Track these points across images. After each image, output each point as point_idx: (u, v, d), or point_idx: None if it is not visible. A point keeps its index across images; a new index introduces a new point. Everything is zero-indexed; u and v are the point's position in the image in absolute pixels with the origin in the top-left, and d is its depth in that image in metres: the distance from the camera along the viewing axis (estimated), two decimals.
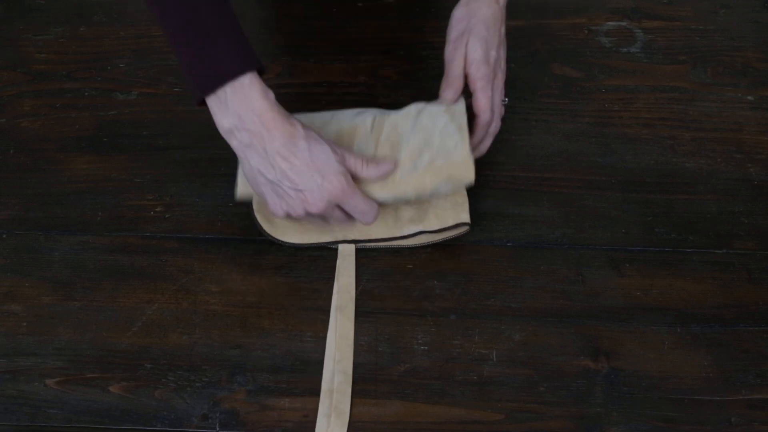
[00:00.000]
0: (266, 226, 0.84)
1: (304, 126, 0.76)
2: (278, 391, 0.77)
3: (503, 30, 0.85)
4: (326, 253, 0.84)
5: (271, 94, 0.75)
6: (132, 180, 0.91)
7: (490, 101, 0.83)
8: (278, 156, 0.74)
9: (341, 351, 0.78)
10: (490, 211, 0.87)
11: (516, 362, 0.78)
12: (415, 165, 0.80)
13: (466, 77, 0.83)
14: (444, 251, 0.85)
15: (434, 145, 0.80)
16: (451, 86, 0.83)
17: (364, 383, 0.77)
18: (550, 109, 0.95)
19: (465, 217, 0.83)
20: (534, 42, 1.01)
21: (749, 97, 0.96)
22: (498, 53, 0.84)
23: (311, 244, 0.84)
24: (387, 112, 0.85)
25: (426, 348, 0.79)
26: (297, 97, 0.96)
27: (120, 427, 0.76)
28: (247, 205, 0.85)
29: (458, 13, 0.85)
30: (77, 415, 0.76)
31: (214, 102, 0.74)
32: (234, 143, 0.76)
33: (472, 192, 0.85)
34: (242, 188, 0.82)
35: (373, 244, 0.84)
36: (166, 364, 0.78)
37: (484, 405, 0.76)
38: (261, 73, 0.75)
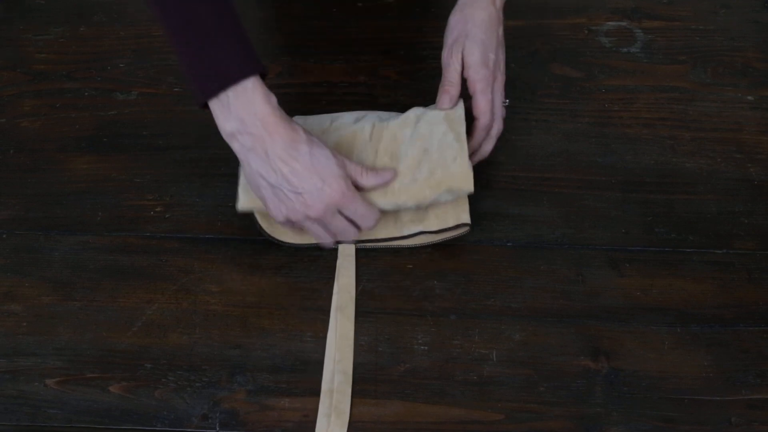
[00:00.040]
0: (266, 226, 0.84)
1: (306, 131, 0.76)
2: (278, 391, 0.77)
3: (501, 32, 0.85)
4: (326, 253, 0.84)
5: (274, 98, 0.75)
6: (132, 180, 0.91)
7: (489, 104, 0.83)
8: (279, 159, 0.74)
9: (341, 351, 0.78)
10: (490, 211, 0.87)
11: (516, 362, 0.78)
12: (414, 177, 0.81)
13: (465, 81, 0.83)
14: (444, 251, 0.85)
15: (433, 155, 0.81)
16: (447, 92, 0.83)
17: (364, 383, 0.77)
18: (550, 109, 0.95)
19: (465, 217, 0.83)
20: (534, 42, 1.01)
21: (749, 97, 0.96)
22: (497, 55, 0.84)
23: (311, 244, 0.84)
24: (386, 116, 0.85)
25: (426, 348, 0.79)
26: (297, 97, 0.96)
27: (120, 427, 0.76)
28: None
29: (454, 19, 0.85)
30: (77, 415, 0.76)
31: (216, 106, 0.74)
32: (236, 146, 0.76)
33: (473, 191, 0.85)
34: (244, 200, 0.82)
35: (373, 244, 0.84)
36: (166, 364, 0.78)
37: (484, 405, 0.76)
38: (263, 77, 0.75)
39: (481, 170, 0.88)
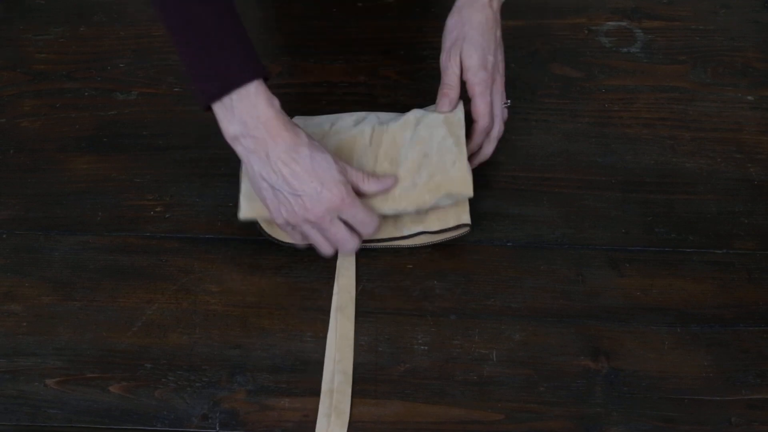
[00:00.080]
0: (266, 227, 0.84)
1: (308, 135, 0.77)
2: (278, 391, 0.77)
3: (499, 33, 0.85)
4: None
5: (277, 102, 0.76)
6: (132, 180, 0.91)
7: (488, 106, 0.83)
8: (280, 162, 0.75)
9: (341, 351, 0.78)
10: (490, 211, 0.87)
11: (516, 362, 0.78)
12: (414, 182, 0.81)
13: (464, 84, 0.83)
14: (444, 251, 0.85)
15: (432, 159, 0.81)
16: (446, 96, 0.83)
17: (364, 383, 0.77)
18: (550, 109, 0.95)
19: (466, 218, 0.83)
20: (534, 42, 1.01)
21: (749, 97, 0.96)
22: (495, 57, 0.84)
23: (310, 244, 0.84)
24: (385, 119, 0.85)
25: (426, 348, 0.79)
26: (297, 97, 0.96)
27: (120, 427, 0.76)
28: None
29: (451, 21, 0.84)
30: (77, 415, 0.76)
31: (219, 109, 0.75)
32: (239, 149, 0.76)
33: (473, 192, 0.85)
34: (245, 209, 0.82)
35: (373, 245, 0.84)
36: (166, 364, 0.78)
37: (484, 405, 0.76)
38: (266, 80, 0.75)
39: (481, 170, 0.88)
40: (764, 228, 0.86)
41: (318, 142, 0.78)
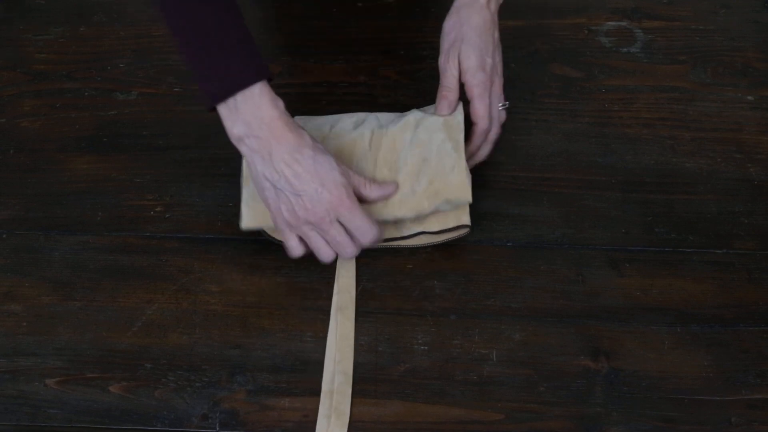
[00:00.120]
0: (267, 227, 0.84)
1: (312, 137, 0.77)
2: (278, 391, 0.77)
3: (497, 35, 0.85)
4: None
5: (281, 103, 0.76)
6: (132, 180, 0.91)
7: (487, 108, 0.83)
8: (282, 162, 0.75)
9: (341, 351, 0.78)
10: (490, 211, 0.87)
11: (516, 362, 0.78)
12: (413, 188, 0.81)
13: (462, 86, 0.83)
14: (444, 251, 0.85)
15: (431, 164, 0.81)
16: (445, 98, 0.83)
17: (364, 383, 0.77)
18: (550, 109, 0.95)
19: (466, 219, 0.83)
20: (534, 42, 1.01)
21: (749, 97, 0.96)
22: (493, 59, 0.84)
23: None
24: (385, 120, 0.85)
25: (426, 348, 0.79)
26: (297, 97, 0.96)
27: (120, 427, 0.76)
28: None
29: (449, 23, 0.84)
30: (77, 415, 0.76)
31: (224, 110, 0.75)
32: (243, 149, 0.77)
33: (473, 192, 0.85)
34: (247, 218, 0.82)
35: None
36: (166, 364, 0.78)
37: (484, 405, 0.76)
38: (269, 80, 0.75)
39: (481, 170, 0.88)
40: (764, 228, 0.86)
41: (322, 145, 0.78)
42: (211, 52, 0.74)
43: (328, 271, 0.83)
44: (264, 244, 0.85)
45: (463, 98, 0.84)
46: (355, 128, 0.84)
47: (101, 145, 0.93)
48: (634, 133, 0.93)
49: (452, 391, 0.76)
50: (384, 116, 0.86)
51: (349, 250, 0.79)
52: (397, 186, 0.81)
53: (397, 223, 0.84)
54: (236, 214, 0.84)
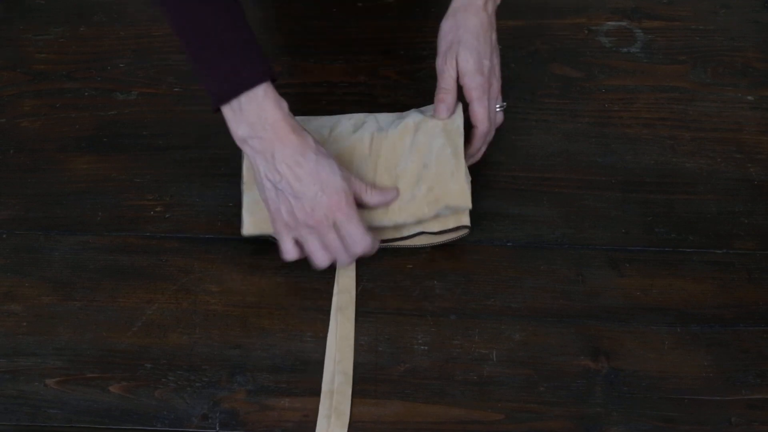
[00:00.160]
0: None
1: (316, 141, 0.77)
2: (278, 391, 0.77)
3: (494, 37, 0.85)
4: None
5: (285, 104, 0.76)
6: (132, 180, 0.91)
7: (487, 111, 0.83)
8: (284, 164, 0.75)
9: (341, 352, 0.78)
10: (490, 211, 0.87)
11: (516, 362, 0.78)
12: (413, 194, 0.81)
13: (460, 88, 0.83)
14: (444, 251, 0.85)
15: (431, 170, 0.81)
16: (442, 101, 0.83)
17: (364, 383, 0.77)
18: (550, 109, 0.95)
19: (466, 220, 0.83)
20: (534, 42, 1.01)
21: (749, 97, 0.96)
22: (491, 61, 0.84)
23: None
24: (385, 122, 0.84)
25: (426, 348, 0.79)
26: (297, 97, 0.96)
27: (120, 427, 0.76)
28: None
29: (446, 25, 0.84)
30: (77, 415, 0.76)
31: (228, 111, 0.75)
32: (247, 150, 0.77)
33: (473, 192, 0.85)
34: (248, 225, 0.82)
35: None
36: (166, 364, 0.78)
37: (484, 405, 0.76)
38: (273, 81, 0.75)
39: (481, 170, 0.88)
40: (764, 228, 0.86)
41: (325, 149, 0.78)
42: (215, 53, 0.74)
43: (328, 271, 0.83)
44: (264, 244, 0.85)
45: (461, 99, 0.84)
46: (355, 131, 0.84)
47: (101, 145, 0.93)
48: (634, 133, 0.93)
49: (452, 391, 0.76)
50: (383, 117, 0.86)
51: (345, 257, 0.79)
52: (397, 192, 0.81)
53: (397, 224, 0.84)
54: (236, 214, 0.84)
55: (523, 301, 0.81)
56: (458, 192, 0.81)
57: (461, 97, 0.84)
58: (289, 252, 0.79)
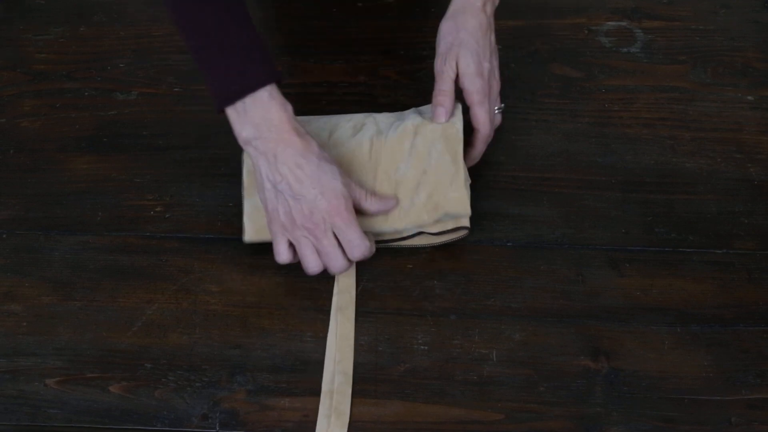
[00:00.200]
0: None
1: (319, 145, 0.77)
2: (278, 391, 0.77)
3: (493, 38, 0.85)
4: None
5: (290, 107, 0.76)
6: (132, 180, 0.91)
7: (488, 114, 0.83)
8: (286, 165, 0.75)
9: (341, 352, 0.78)
10: (490, 211, 0.87)
11: (516, 362, 0.78)
12: (413, 201, 0.81)
13: (458, 90, 0.83)
14: (444, 251, 0.85)
15: (430, 177, 0.81)
16: (441, 105, 0.83)
17: (364, 383, 0.77)
18: (550, 109, 0.95)
19: (465, 221, 0.83)
20: (534, 42, 1.01)
21: (749, 97, 0.96)
22: (491, 63, 0.84)
23: None
24: (384, 124, 0.84)
25: (426, 348, 0.79)
26: (297, 97, 0.95)
27: (120, 427, 0.76)
28: None
29: (446, 26, 0.84)
30: (77, 415, 0.76)
31: (233, 113, 0.75)
32: (251, 151, 0.77)
33: (473, 192, 0.85)
34: (250, 232, 0.82)
35: None
36: (166, 364, 0.78)
37: (484, 405, 0.76)
38: (279, 82, 0.75)
39: (481, 170, 0.88)
40: (764, 228, 0.86)
41: (328, 153, 0.78)
42: (220, 55, 0.74)
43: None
44: (264, 244, 0.84)
45: (460, 101, 0.84)
46: (354, 135, 0.84)
47: (101, 145, 0.93)
48: (634, 133, 0.93)
49: (452, 391, 0.76)
50: (382, 119, 0.85)
51: (338, 264, 0.78)
52: (397, 201, 0.81)
53: (397, 231, 0.84)
54: (236, 214, 0.84)
55: (523, 301, 0.81)
56: (457, 200, 0.81)
57: (460, 99, 0.84)
58: (282, 254, 0.79)
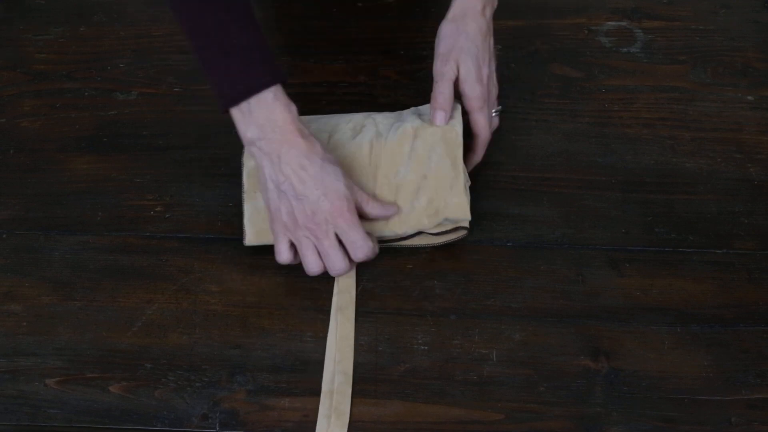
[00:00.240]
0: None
1: (323, 146, 0.77)
2: (278, 391, 0.77)
3: (492, 42, 0.85)
4: None
5: (294, 108, 0.76)
6: (132, 180, 0.91)
7: (487, 119, 0.84)
8: (289, 166, 0.75)
9: (341, 352, 0.78)
10: (490, 211, 0.87)
11: (516, 362, 0.78)
12: (413, 206, 0.81)
13: (457, 93, 0.83)
14: (444, 251, 0.85)
15: (430, 182, 0.81)
16: (441, 108, 0.82)
17: (364, 383, 0.77)
18: (550, 109, 0.95)
19: (465, 223, 0.83)
20: (534, 42, 1.01)
21: (749, 97, 0.96)
22: (490, 69, 0.84)
23: None
24: (383, 126, 0.84)
25: (426, 348, 0.79)
26: (297, 97, 0.95)
27: (120, 427, 0.76)
28: None
29: (446, 29, 0.84)
30: (77, 415, 0.76)
31: (237, 114, 0.75)
32: (254, 151, 0.77)
33: (473, 192, 0.85)
34: (250, 235, 0.82)
35: None
36: (166, 364, 0.78)
37: (484, 405, 0.76)
38: (284, 83, 0.75)
39: (481, 170, 0.88)
40: (764, 228, 0.86)
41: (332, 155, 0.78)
42: (225, 55, 0.74)
43: None
44: (264, 245, 0.84)
45: (463, 106, 0.84)
46: (354, 137, 0.84)
47: (101, 145, 0.93)
48: (634, 133, 0.93)
49: (452, 391, 0.76)
50: (381, 119, 0.85)
51: (339, 265, 0.78)
52: (398, 208, 0.81)
53: (397, 235, 0.84)
54: (236, 214, 0.84)
55: (523, 301, 0.81)
56: (457, 205, 0.81)
57: (459, 100, 0.84)
58: (283, 254, 0.79)
